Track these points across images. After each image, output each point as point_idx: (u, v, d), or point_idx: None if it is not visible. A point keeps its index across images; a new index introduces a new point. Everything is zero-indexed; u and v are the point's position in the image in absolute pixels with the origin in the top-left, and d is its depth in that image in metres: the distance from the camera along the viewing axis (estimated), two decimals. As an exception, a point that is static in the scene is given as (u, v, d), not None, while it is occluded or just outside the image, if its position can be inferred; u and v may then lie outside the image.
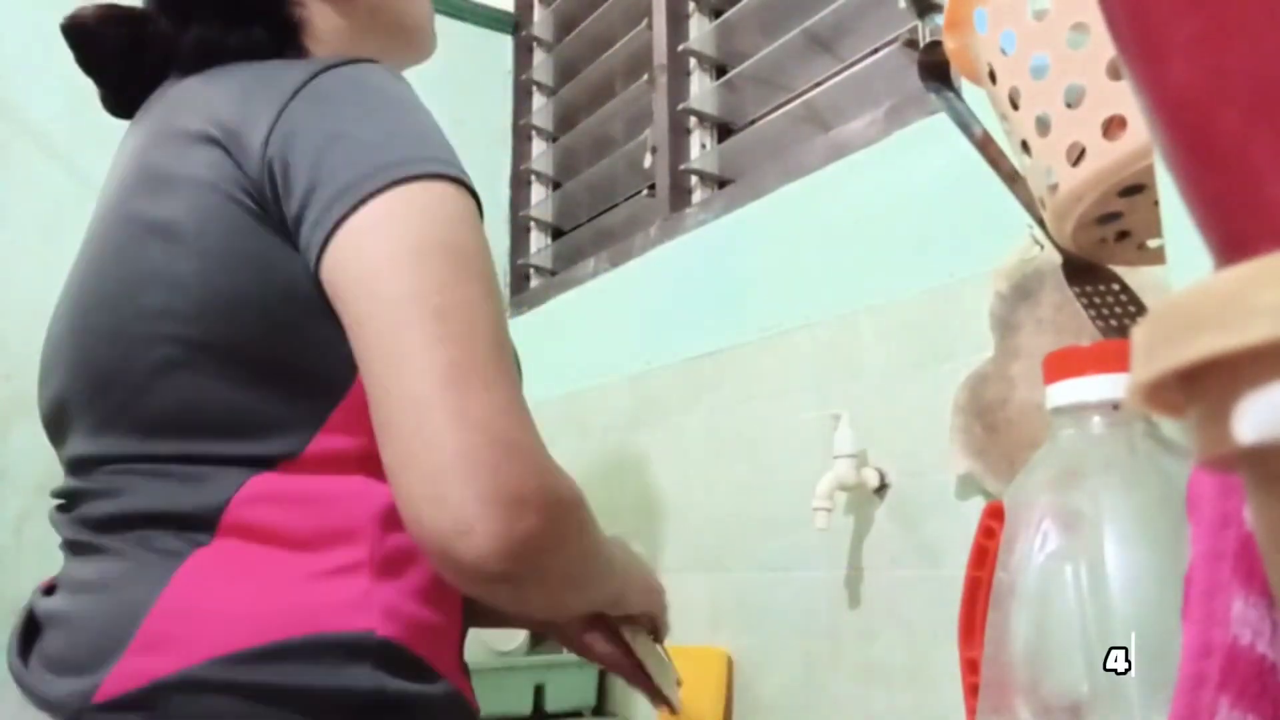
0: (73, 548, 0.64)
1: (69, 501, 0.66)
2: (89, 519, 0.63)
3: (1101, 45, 0.51)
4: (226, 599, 0.57)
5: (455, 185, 0.60)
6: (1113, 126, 0.51)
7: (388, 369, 0.54)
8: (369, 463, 0.59)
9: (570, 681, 1.36)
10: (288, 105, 0.61)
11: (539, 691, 1.33)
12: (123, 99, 0.76)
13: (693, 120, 1.52)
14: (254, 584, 0.58)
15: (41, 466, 1.25)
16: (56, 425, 0.69)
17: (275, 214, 0.60)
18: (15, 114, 1.48)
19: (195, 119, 0.64)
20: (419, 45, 0.82)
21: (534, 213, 1.90)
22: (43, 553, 0.76)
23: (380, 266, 0.56)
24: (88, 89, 0.76)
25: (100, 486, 0.63)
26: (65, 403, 0.67)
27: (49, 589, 0.65)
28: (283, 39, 0.72)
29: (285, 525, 0.59)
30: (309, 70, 0.63)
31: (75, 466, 0.67)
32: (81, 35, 0.74)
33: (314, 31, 0.74)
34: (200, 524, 0.59)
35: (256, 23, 0.71)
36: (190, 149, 0.63)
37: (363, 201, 0.57)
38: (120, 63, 0.74)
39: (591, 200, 1.79)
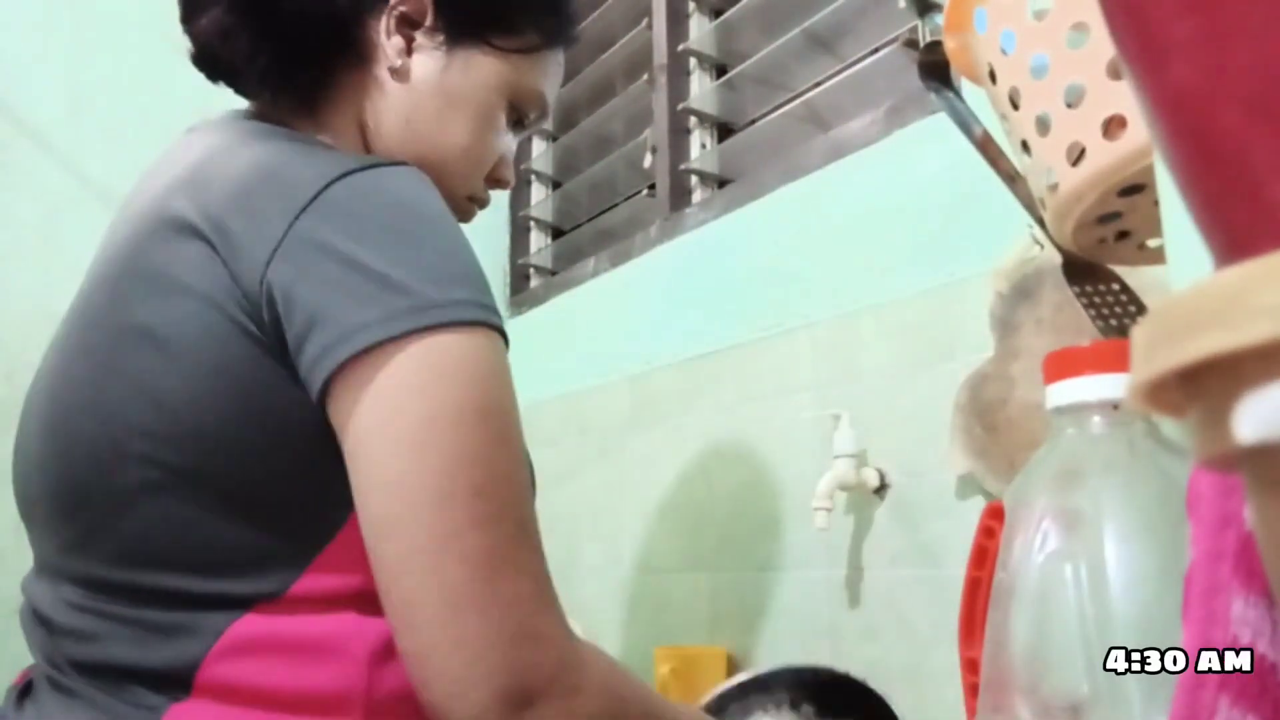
0: (52, 683, 0.61)
1: (47, 630, 0.62)
2: (67, 660, 0.60)
3: (1101, 45, 0.51)
4: None
5: (487, 331, 0.57)
6: (1113, 126, 0.51)
7: (430, 546, 0.53)
8: (360, 601, 0.58)
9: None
10: (296, 221, 0.56)
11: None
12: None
13: (693, 120, 1.52)
14: None
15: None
16: (28, 519, 0.67)
17: (274, 337, 0.56)
18: (15, 114, 1.47)
19: (190, 203, 0.59)
20: (442, 177, 0.70)
21: (534, 212, 1.89)
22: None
23: (421, 427, 0.53)
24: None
25: (76, 625, 0.60)
26: (34, 506, 0.64)
27: (24, 689, 0.63)
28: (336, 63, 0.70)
29: (266, 682, 0.56)
30: (324, 175, 0.58)
31: (43, 568, 0.64)
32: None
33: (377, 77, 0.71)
34: (176, 681, 0.57)
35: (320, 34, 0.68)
36: (180, 244, 0.58)
37: (380, 345, 0.53)
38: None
39: (591, 200, 1.79)
